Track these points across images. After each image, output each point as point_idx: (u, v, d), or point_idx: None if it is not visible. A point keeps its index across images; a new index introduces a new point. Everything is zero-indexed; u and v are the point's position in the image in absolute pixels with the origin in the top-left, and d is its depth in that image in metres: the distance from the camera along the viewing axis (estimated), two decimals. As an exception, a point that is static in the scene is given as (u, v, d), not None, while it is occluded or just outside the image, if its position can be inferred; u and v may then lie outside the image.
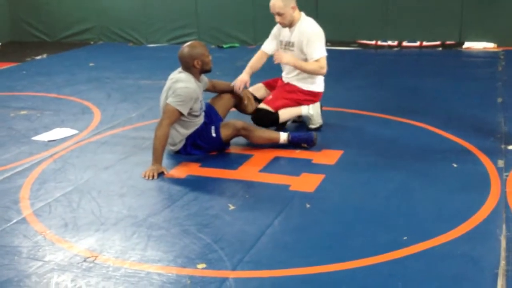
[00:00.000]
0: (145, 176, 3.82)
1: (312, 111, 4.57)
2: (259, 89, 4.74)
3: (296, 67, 4.45)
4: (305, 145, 4.21)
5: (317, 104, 4.62)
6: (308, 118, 4.61)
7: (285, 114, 4.53)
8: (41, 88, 6.39)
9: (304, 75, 4.52)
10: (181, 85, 3.96)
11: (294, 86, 4.56)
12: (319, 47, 4.42)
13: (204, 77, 4.25)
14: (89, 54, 8.35)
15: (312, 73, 4.47)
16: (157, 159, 3.89)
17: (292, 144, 4.23)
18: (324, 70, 4.45)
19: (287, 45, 4.55)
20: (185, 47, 4.08)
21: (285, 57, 4.40)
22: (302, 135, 4.25)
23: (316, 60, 4.39)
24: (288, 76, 4.61)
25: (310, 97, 4.59)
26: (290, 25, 4.48)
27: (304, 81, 4.55)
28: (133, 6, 8.93)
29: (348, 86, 6.05)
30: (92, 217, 3.30)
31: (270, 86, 4.75)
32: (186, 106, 3.95)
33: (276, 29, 4.69)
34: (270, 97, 4.53)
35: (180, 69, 4.14)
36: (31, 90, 6.32)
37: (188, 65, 4.05)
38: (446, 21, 7.77)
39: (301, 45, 4.42)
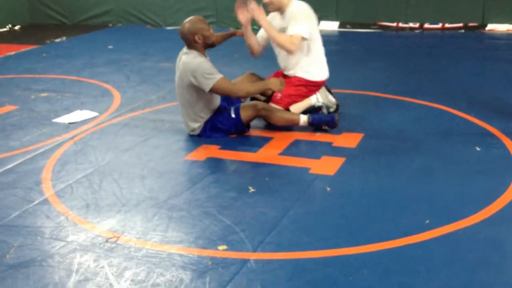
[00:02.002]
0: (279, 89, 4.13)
1: (321, 99, 4.48)
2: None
3: (266, 31, 4.24)
4: (326, 127, 4.18)
5: (322, 90, 4.52)
6: (321, 107, 4.53)
7: (296, 109, 4.41)
8: (61, 71, 6.43)
9: (302, 66, 4.38)
10: (194, 65, 3.95)
11: (297, 78, 4.41)
12: (299, 25, 4.19)
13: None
14: (108, 37, 8.37)
15: (281, 46, 4.23)
16: (262, 83, 4.16)
17: (312, 126, 4.20)
18: (293, 47, 4.17)
19: (280, 32, 4.38)
20: (185, 23, 4.07)
21: (259, 14, 4.15)
22: (323, 116, 4.21)
23: (290, 36, 4.20)
24: (289, 72, 4.48)
25: (314, 87, 4.46)
26: (280, 9, 4.33)
27: (306, 72, 4.40)
28: (152, -12, 8.91)
29: (369, 69, 5.98)
30: (114, 198, 3.33)
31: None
32: (217, 72, 3.98)
33: (269, 16, 4.49)
34: (279, 95, 4.36)
35: (184, 49, 4.13)
36: (51, 73, 6.36)
37: (190, 41, 4.05)
38: (468, 2, 7.63)
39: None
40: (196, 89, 4.02)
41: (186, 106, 4.12)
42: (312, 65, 4.41)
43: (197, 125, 4.15)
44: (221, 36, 4.50)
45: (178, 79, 4.13)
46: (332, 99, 4.54)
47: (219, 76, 3.95)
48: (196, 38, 4.02)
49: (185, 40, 4.07)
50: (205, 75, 3.93)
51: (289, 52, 4.24)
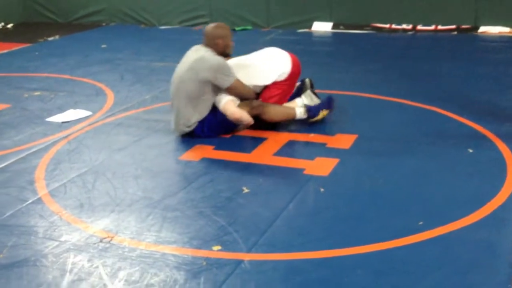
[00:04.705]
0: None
1: (306, 101, 4.45)
2: None
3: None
4: (325, 112, 4.22)
5: (308, 93, 4.48)
6: None
7: None
8: (54, 69, 6.40)
9: (256, 82, 4.31)
10: (215, 61, 4.03)
11: (269, 85, 4.32)
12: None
13: None
14: (101, 36, 8.34)
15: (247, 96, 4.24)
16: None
17: (311, 114, 4.22)
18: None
19: None
20: (214, 24, 4.24)
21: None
22: (319, 103, 4.28)
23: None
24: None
25: (289, 81, 4.35)
26: None
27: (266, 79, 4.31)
28: (145, -13, 8.90)
29: (362, 70, 6.00)
30: (107, 198, 3.32)
31: None
32: (234, 73, 4.09)
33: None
34: (260, 100, 4.30)
35: (200, 46, 4.18)
36: (44, 71, 6.33)
37: (211, 42, 4.14)
38: (461, 4, 7.67)
39: None
40: (204, 85, 4.04)
41: (187, 100, 4.08)
42: (258, 74, 4.31)
43: (193, 121, 4.12)
44: None
45: (185, 72, 4.08)
46: (318, 101, 4.52)
47: (236, 76, 4.08)
48: (219, 41, 4.12)
49: (208, 38, 4.15)
50: (226, 73, 4.03)
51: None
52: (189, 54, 4.20)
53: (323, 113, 4.22)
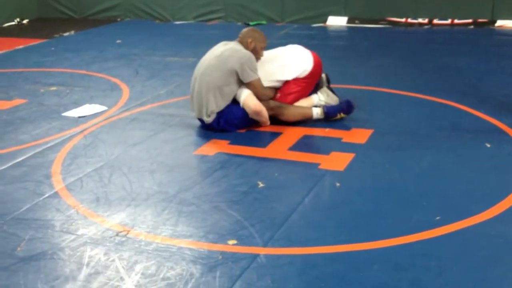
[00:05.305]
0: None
1: (323, 97, 4.44)
2: None
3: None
4: (343, 115, 4.19)
5: (324, 89, 4.47)
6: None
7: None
8: (69, 64, 6.44)
9: (277, 77, 4.34)
10: (246, 55, 4.13)
11: (289, 80, 4.33)
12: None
13: None
14: (116, 31, 8.37)
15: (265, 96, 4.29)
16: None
17: (328, 116, 4.21)
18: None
19: None
20: (251, 27, 4.44)
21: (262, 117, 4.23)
22: (337, 105, 4.26)
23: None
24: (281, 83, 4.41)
25: (309, 80, 4.37)
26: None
27: (284, 73, 4.33)
28: (160, -18, 8.91)
29: (378, 65, 5.96)
30: (123, 192, 3.33)
31: None
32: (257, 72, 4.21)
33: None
34: (279, 95, 4.30)
35: (229, 41, 4.30)
36: (60, 67, 6.37)
37: (243, 40, 4.27)
38: (478, -2, 7.60)
39: None
40: (230, 75, 4.10)
41: (210, 88, 4.10)
42: (280, 69, 4.33)
43: (211, 109, 4.12)
44: None
45: (213, 60, 4.15)
46: (334, 97, 4.50)
47: (258, 75, 4.16)
48: (249, 41, 4.22)
49: (242, 36, 4.29)
50: (252, 68, 4.12)
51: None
52: (218, 46, 4.30)
53: (340, 116, 4.21)
